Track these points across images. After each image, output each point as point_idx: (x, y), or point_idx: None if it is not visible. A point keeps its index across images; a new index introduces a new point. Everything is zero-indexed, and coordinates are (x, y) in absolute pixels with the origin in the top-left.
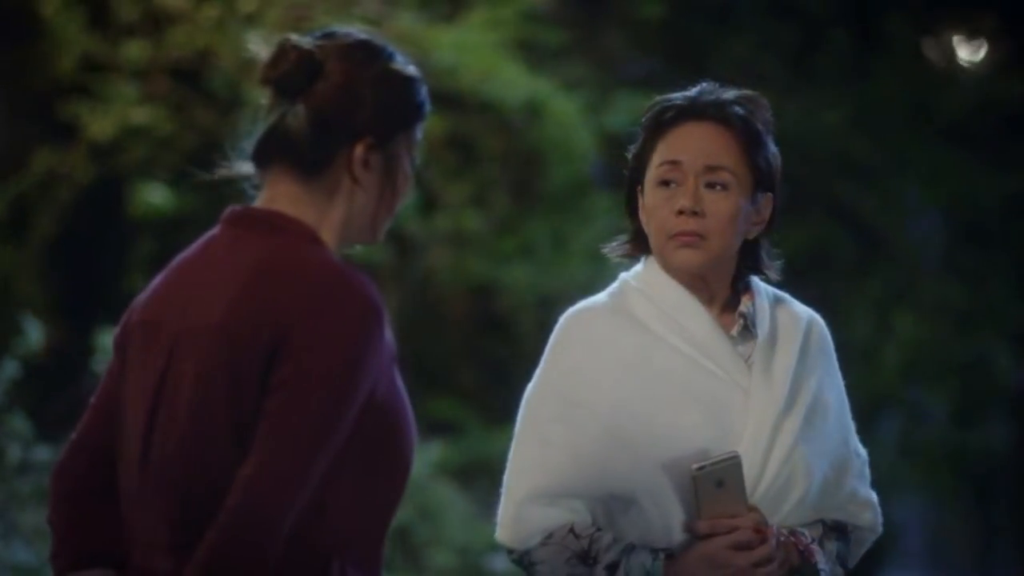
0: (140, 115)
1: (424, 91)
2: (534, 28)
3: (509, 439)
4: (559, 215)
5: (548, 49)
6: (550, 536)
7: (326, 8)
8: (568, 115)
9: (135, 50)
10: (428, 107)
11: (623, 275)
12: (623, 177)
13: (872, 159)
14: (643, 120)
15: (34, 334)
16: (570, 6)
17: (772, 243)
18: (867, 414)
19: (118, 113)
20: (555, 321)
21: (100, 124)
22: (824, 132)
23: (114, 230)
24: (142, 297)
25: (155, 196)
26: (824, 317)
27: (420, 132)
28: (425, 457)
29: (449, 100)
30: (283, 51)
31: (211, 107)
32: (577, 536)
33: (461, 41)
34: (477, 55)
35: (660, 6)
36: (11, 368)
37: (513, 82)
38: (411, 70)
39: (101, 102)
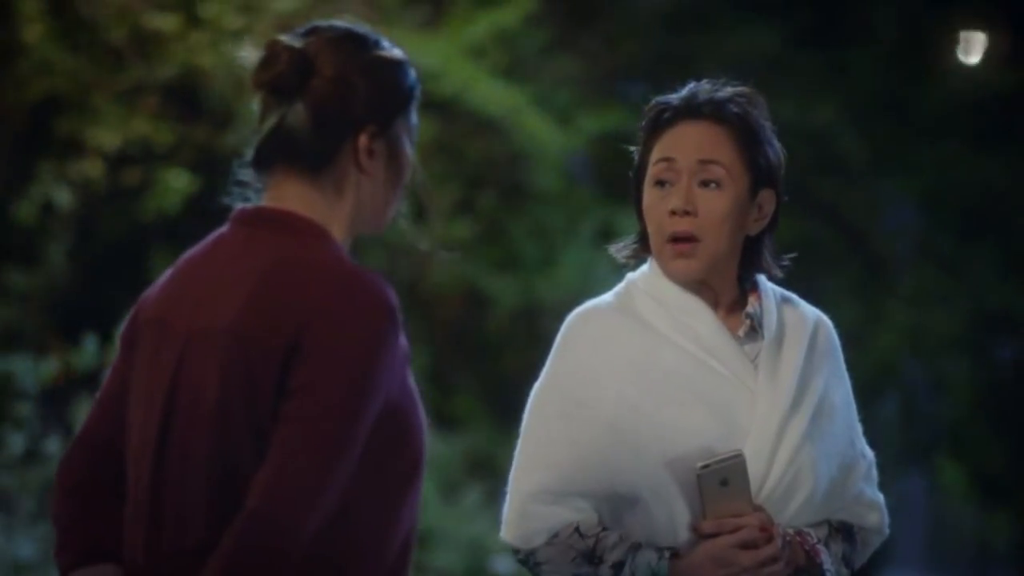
0: (141, 127)
1: (413, 73)
2: (519, 31)
3: (497, 441)
4: (543, 223)
5: (533, 52)
6: (555, 536)
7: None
8: (542, 128)
9: (122, 72)
10: (418, 88)
11: (629, 275)
12: (611, 183)
13: (855, 154)
14: (642, 122)
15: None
16: (557, 8)
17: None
18: (861, 401)
19: (119, 125)
20: (541, 327)
21: (105, 135)
22: (807, 128)
23: (128, 240)
24: (150, 295)
25: (178, 181)
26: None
27: (415, 114)
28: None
29: (434, 108)
30: (274, 53)
31: (206, 123)
32: (582, 535)
33: (441, 50)
34: (456, 65)
35: (648, 7)
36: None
37: (491, 93)
38: (398, 53)
39: (98, 116)
